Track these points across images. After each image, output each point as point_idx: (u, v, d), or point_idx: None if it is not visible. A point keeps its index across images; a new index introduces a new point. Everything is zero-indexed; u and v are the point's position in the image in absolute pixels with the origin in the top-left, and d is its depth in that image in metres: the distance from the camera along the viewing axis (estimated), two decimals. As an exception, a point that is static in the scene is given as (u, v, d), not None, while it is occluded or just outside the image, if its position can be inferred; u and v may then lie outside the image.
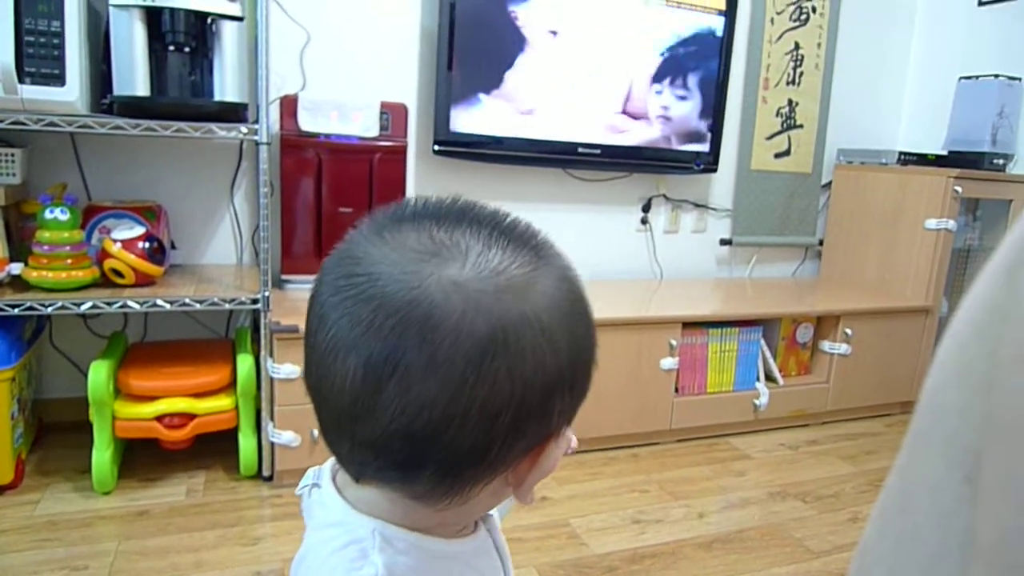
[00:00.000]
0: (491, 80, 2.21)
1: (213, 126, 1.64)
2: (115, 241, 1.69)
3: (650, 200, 2.66)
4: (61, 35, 1.51)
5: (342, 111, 1.97)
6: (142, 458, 1.89)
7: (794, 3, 2.72)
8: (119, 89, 1.59)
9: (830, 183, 2.94)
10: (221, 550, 1.54)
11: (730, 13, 2.50)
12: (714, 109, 2.54)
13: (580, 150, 2.37)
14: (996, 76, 2.55)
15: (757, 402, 2.34)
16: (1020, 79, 2.59)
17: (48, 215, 1.61)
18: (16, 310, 1.57)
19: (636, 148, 2.46)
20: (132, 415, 1.69)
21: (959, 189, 2.44)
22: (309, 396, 0.45)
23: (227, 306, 1.74)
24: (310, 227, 2.01)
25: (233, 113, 1.70)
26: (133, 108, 1.60)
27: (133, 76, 1.58)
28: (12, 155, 1.70)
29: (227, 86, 1.67)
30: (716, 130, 2.57)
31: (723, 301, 2.50)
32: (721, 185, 2.78)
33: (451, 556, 0.48)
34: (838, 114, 2.92)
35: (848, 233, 2.84)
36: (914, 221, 2.56)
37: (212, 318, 2.16)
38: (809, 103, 2.83)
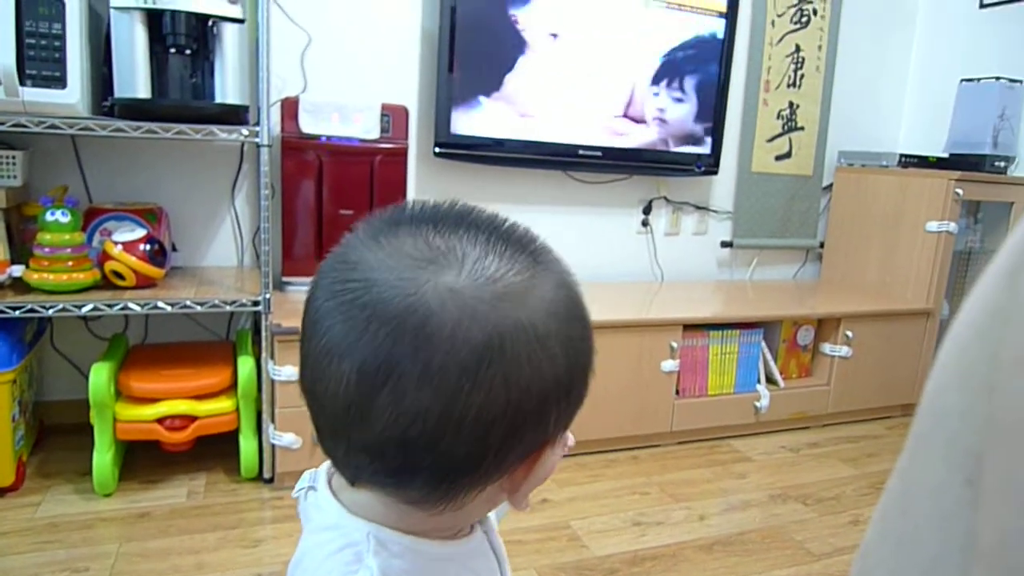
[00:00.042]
0: (492, 82, 2.21)
1: (214, 128, 1.65)
2: (116, 243, 1.69)
3: (651, 202, 2.66)
4: (62, 37, 1.52)
5: (343, 113, 1.97)
6: (143, 460, 1.88)
7: (795, 5, 2.72)
8: (120, 91, 1.59)
9: (831, 185, 2.94)
10: (222, 552, 1.54)
11: (731, 15, 2.50)
12: (715, 111, 2.55)
13: (581, 152, 2.37)
14: (997, 78, 2.55)
15: (758, 404, 2.33)
16: (1021, 81, 2.59)
17: (49, 217, 1.61)
18: (17, 312, 1.57)
19: (637, 150, 2.46)
20: (133, 417, 1.69)
21: (960, 192, 2.44)
22: (304, 399, 0.45)
23: (228, 308, 1.74)
24: (311, 229, 2.01)
25: (234, 115, 1.71)
26: (134, 110, 1.61)
27: (134, 78, 1.58)
28: (13, 157, 1.70)
29: (228, 88, 1.67)
30: (717, 132, 2.57)
31: (724, 303, 2.50)
32: (722, 187, 2.78)
33: (447, 559, 0.48)
34: (839, 116, 2.92)
35: (849, 235, 2.84)
36: (915, 223, 2.56)
37: (213, 320, 2.16)
38: (810, 105, 2.83)
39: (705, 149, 2.56)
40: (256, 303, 1.75)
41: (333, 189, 1.99)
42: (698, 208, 2.76)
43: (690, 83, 2.49)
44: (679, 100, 2.49)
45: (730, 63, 2.54)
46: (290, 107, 1.95)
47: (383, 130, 2.01)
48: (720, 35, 2.50)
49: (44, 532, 1.56)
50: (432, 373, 0.39)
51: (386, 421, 0.40)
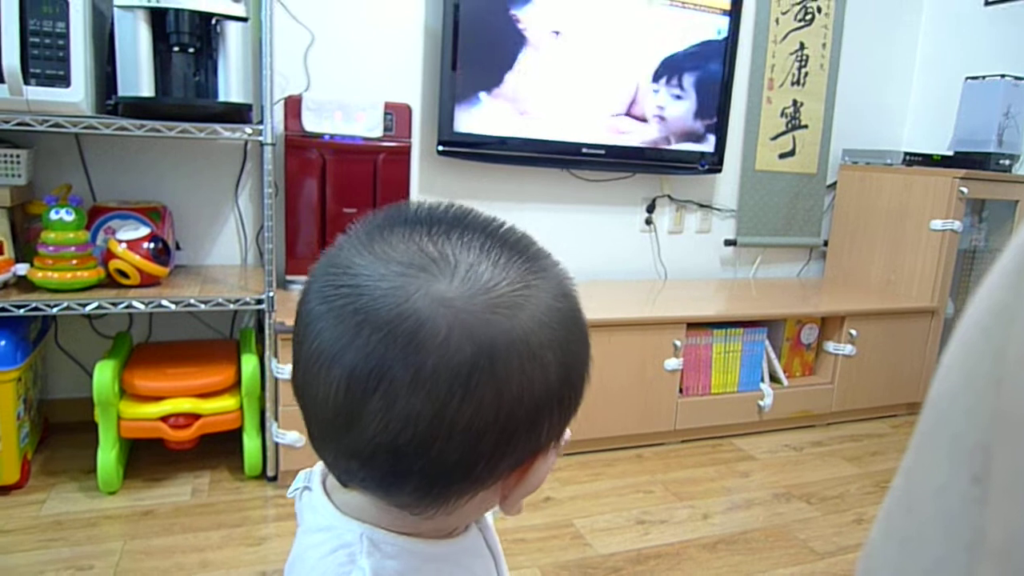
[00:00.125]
0: (494, 81, 2.21)
1: (217, 127, 1.65)
2: (120, 242, 1.69)
3: (654, 200, 2.66)
4: (66, 36, 1.52)
5: (346, 111, 1.97)
6: (147, 458, 1.89)
7: (799, 3, 2.72)
8: (124, 90, 1.59)
9: (835, 183, 2.93)
10: (226, 550, 1.54)
11: (735, 13, 2.50)
12: (718, 109, 2.54)
13: (584, 150, 2.37)
14: (1002, 76, 2.54)
15: (761, 403, 2.33)
16: (1026, 79, 2.58)
17: (53, 216, 1.62)
18: (21, 311, 1.57)
19: (640, 148, 2.46)
20: (137, 415, 1.70)
21: (965, 190, 2.44)
22: (296, 400, 0.44)
23: (232, 307, 1.74)
24: (314, 228, 2.01)
25: (237, 114, 1.71)
26: (138, 109, 1.61)
27: (138, 77, 1.58)
28: (17, 156, 1.70)
29: (231, 87, 1.68)
30: (721, 130, 2.56)
31: (727, 302, 2.50)
32: (725, 185, 2.77)
33: (441, 558, 0.48)
34: (843, 114, 2.91)
35: (853, 234, 2.84)
36: (919, 222, 2.56)
37: (217, 319, 2.17)
38: (814, 103, 2.82)
39: (709, 147, 2.56)
40: (260, 301, 1.75)
41: (336, 187, 1.99)
42: (702, 206, 2.75)
43: (690, 81, 2.48)
44: (678, 97, 2.48)
45: (734, 61, 2.54)
46: (293, 105, 1.95)
47: (386, 128, 2.02)
48: (724, 33, 2.50)
49: (49, 530, 1.57)
50: (423, 380, 0.38)
51: (376, 427, 0.39)
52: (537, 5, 2.20)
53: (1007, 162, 2.62)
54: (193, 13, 1.58)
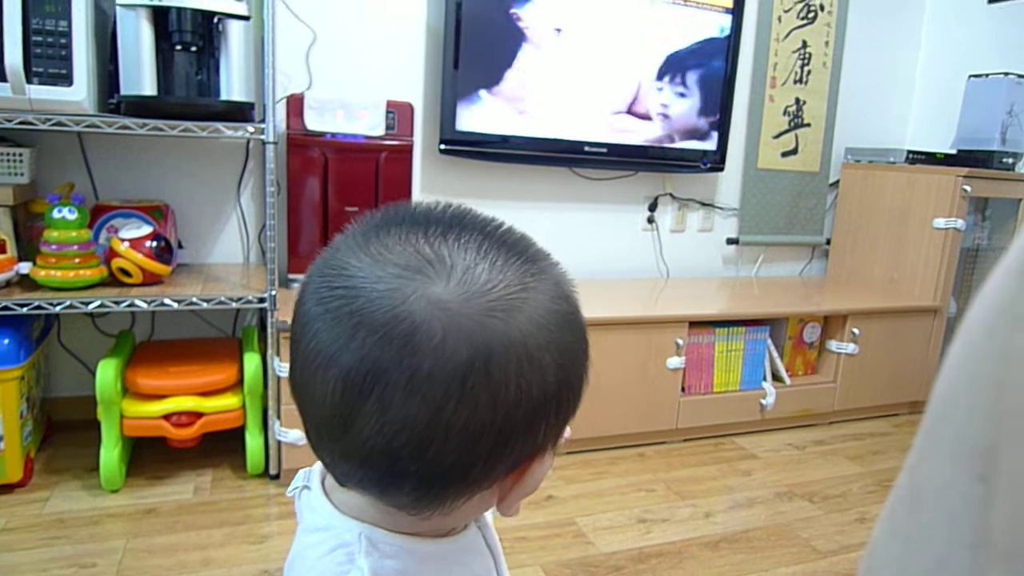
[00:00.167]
0: (496, 79, 2.21)
1: (220, 125, 1.65)
2: (122, 240, 1.69)
3: (656, 199, 2.66)
4: (68, 35, 1.52)
5: (348, 110, 1.97)
6: (150, 456, 1.89)
7: (802, 1, 2.71)
8: (126, 89, 1.59)
9: (837, 182, 2.93)
10: (228, 548, 1.55)
11: (737, 11, 2.49)
12: (721, 107, 2.54)
13: (586, 149, 2.37)
14: (1006, 74, 2.54)
15: (764, 402, 2.33)
16: (1030, 77, 2.58)
17: (56, 214, 1.62)
18: (24, 309, 1.58)
19: (642, 147, 2.45)
20: (140, 414, 1.70)
21: (968, 188, 2.43)
22: (293, 399, 0.44)
23: (234, 305, 1.74)
24: (317, 226, 2.01)
25: (240, 112, 1.71)
26: (140, 108, 1.61)
27: (140, 76, 1.58)
28: (20, 155, 1.71)
29: (234, 85, 1.68)
30: (723, 129, 2.56)
31: (730, 300, 2.49)
32: (728, 184, 2.77)
33: (439, 557, 0.48)
34: (846, 112, 2.90)
35: (856, 232, 2.83)
36: (922, 220, 2.55)
37: (219, 317, 2.17)
38: (817, 101, 2.82)
39: (711, 145, 2.55)
40: (262, 300, 1.75)
41: (338, 186, 1.99)
42: (704, 205, 2.75)
43: (694, 79, 2.48)
44: (682, 95, 2.48)
45: (736, 59, 2.54)
46: (295, 104, 1.95)
47: (388, 127, 2.02)
48: (727, 31, 2.49)
49: (52, 528, 1.57)
50: (419, 383, 0.38)
51: (372, 429, 0.39)
52: (538, 3, 2.20)
53: (1010, 160, 2.62)
54: (195, 12, 1.58)
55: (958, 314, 2.67)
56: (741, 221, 2.81)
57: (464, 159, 2.28)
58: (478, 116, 2.21)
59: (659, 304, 2.34)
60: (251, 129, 1.67)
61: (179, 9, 1.57)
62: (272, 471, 1.84)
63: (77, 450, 1.89)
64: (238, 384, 1.81)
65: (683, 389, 2.21)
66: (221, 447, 1.92)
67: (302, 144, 1.96)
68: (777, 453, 2.24)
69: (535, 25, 2.21)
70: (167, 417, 1.71)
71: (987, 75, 2.60)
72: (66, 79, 1.53)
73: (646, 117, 2.44)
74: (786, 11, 2.69)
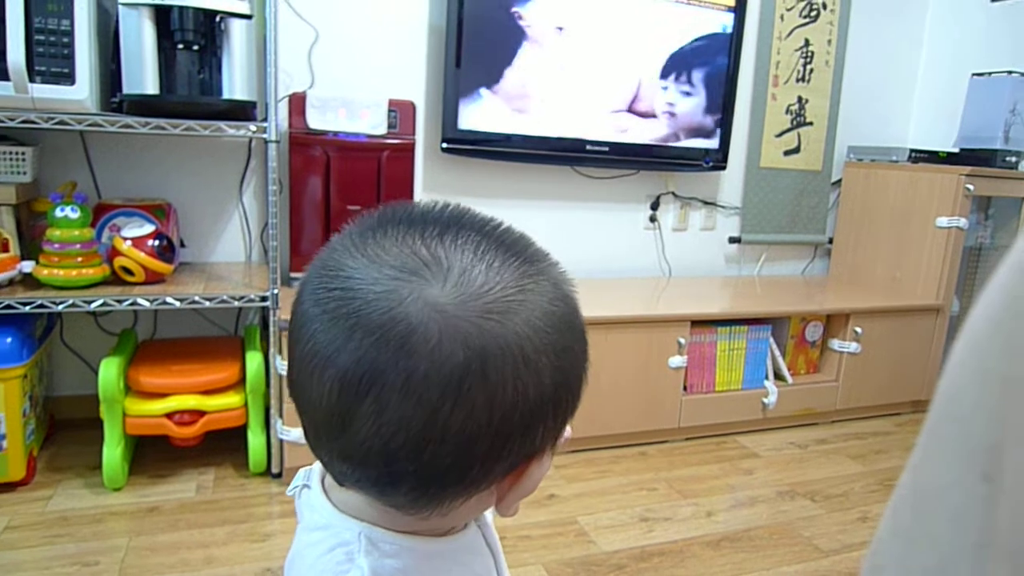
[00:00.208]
0: (498, 78, 2.21)
1: (222, 124, 1.65)
2: (125, 239, 1.70)
3: (658, 198, 2.66)
4: (71, 34, 1.52)
5: (350, 109, 1.97)
6: (152, 455, 1.90)
7: (804, -1, 2.71)
8: (128, 87, 1.60)
9: (840, 181, 2.92)
10: (231, 546, 1.55)
11: (740, 9, 2.49)
12: (723, 106, 2.53)
13: (588, 147, 2.36)
14: (1009, 72, 2.53)
15: (766, 401, 2.33)
16: (1033, 75, 2.57)
17: (58, 213, 1.62)
18: (27, 308, 1.58)
19: (644, 145, 2.45)
20: (142, 412, 1.70)
21: (971, 187, 2.43)
22: (292, 399, 0.44)
23: (236, 304, 1.75)
24: (319, 225, 2.01)
25: (242, 111, 1.71)
26: (142, 106, 1.61)
27: (142, 74, 1.58)
28: (22, 153, 1.71)
29: (236, 84, 1.68)
30: (725, 127, 2.56)
31: (732, 299, 2.49)
32: (730, 183, 2.77)
33: (439, 556, 0.48)
34: (848, 111, 2.90)
35: (858, 231, 2.83)
36: (925, 219, 2.55)
37: (221, 316, 2.17)
38: (819, 100, 2.81)
39: (713, 144, 2.55)
40: (264, 298, 1.75)
41: (340, 185, 1.99)
42: (706, 204, 2.75)
43: (698, 77, 2.48)
44: (687, 94, 2.48)
45: (739, 57, 2.53)
46: (297, 103, 1.95)
47: (390, 126, 2.02)
48: (729, 29, 2.49)
49: (54, 526, 1.57)
50: (415, 385, 0.38)
51: (369, 430, 0.39)
52: (540, 2, 2.20)
53: (1013, 159, 2.61)
54: (197, 11, 1.58)
55: (961, 313, 2.66)
56: (743, 220, 2.80)
57: (466, 158, 2.28)
58: (480, 115, 2.21)
59: (661, 303, 2.34)
60: (253, 128, 1.68)
61: (181, 8, 1.57)
62: (274, 469, 1.84)
63: (80, 448, 1.90)
64: (240, 383, 1.82)
65: (685, 388, 2.21)
66: (223, 445, 1.92)
67: (304, 143, 1.96)
68: (779, 452, 2.24)
69: (537, 24, 2.21)
70: (169, 415, 1.71)
71: (990, 73, 2.59)
72: (68, 78, 1.53)
73: (648, 115, 2.43)
74: (788, 9, 2.69)
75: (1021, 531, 0.19)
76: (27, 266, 1.65)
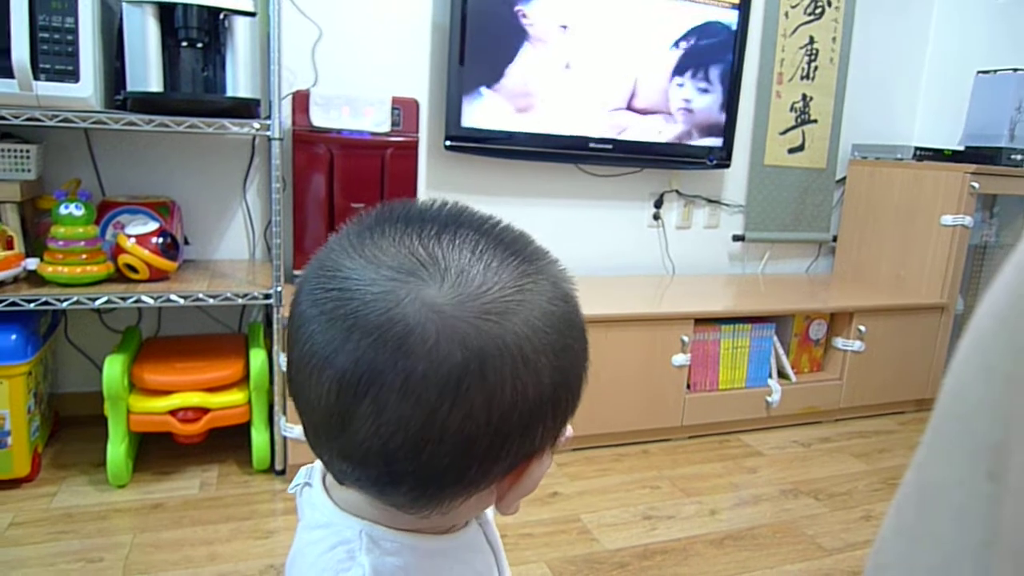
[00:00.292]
0: (502, 75, 2.20)
1: (226, 122, 1.65)
2: (129, 236, 1.70)
3: (662, 195, 2.65)
4: (75, 31, 1.52)
5: (354, 106, 1.97)
6: (156, 452, 1.90)
7: (808, -3, 2.70)
8: (132, 85, 1.60)
9: (844, 179, 2.92)
10: (235, 543, 1.55)
11: (744, 7, 2.48)
12: (727, 104, 2.53)
13: (592, 145, 2.36)
14: (1014, 70, 2.52)
15: (769, 399, 2.32)
16: (1039, 73, 2.56)
17: (63, 211, 1.63)
18: (32, 305, 1.58)
19: (648, 143, 2.45)
20: (146, 409, 1.71)
21: (976, 185, 2.42)
22: (291, 399, 0.44)
23: (240, 301, 1.75)
24: (322, 222, 2.02)
25: (245, 109, 1.71)
26: (146, 104, 1.61)
27: (146, 72, 1.59)
28: (27, 151, 1.71)
29: (239, 82, 1.68)
30: (729, 125, 2.55)
31: (736, 297, 2.49)
32: (734, 181, 2.76)
33: (440, 553, 0.48)
34: (853, 109, 2.89)
35: (863, 229, 2.82)
36: (930, 217, 2.54)
37: (225, 313, 2.18)
38: (824, 98, 2.80)
39: (717, 142, 2.55)
40: (268, 296, 1.75)
41: (344, 182, 1.99)
42: (710, 201, 2.74)
43: (702, 75, 2.47)
44: (704, 91, 2.47)
45: (743, 55, 2.52)
46: (301, 100, 1.95)
47: (394, 123, 2.02)
48: (733, 27, 2.48)
49: (59, 522, 1.58)
50: (413, 385, 0.38)
51: (367, 431, 0.39)
52: (542, 1, 2.19)
53: (1019, 157, 2.60)
54: (201, 8, 1.59)
55: (965, 311, 2.66)
56: (747, 218, 2.80)
57: (470, 155, 2.28)
58: (483, 112, 2.20)
59: (664, 301, 2.34)
60: (257, 125, 1.68)
61: (185, 5, 1.57)
62: (278, 467, 1.85)
63: (84, 445, 1.90)
64: (244, 380, 1.82)
65: (688, 386, 2.21)
66: (227, 443, 1.92)
67: (308, 140, 1.96)
68: (783, 450, 2.23)
69: (540, 22, 2.21)
70: (173, 413, 1.72)
71: (995, 71, 2.58)
72: (73, 75, 1.54)
73: (651, 113, 2.43)
74: (793, 7, 2.68)
75: None
76: (31, 263, 1.66)
